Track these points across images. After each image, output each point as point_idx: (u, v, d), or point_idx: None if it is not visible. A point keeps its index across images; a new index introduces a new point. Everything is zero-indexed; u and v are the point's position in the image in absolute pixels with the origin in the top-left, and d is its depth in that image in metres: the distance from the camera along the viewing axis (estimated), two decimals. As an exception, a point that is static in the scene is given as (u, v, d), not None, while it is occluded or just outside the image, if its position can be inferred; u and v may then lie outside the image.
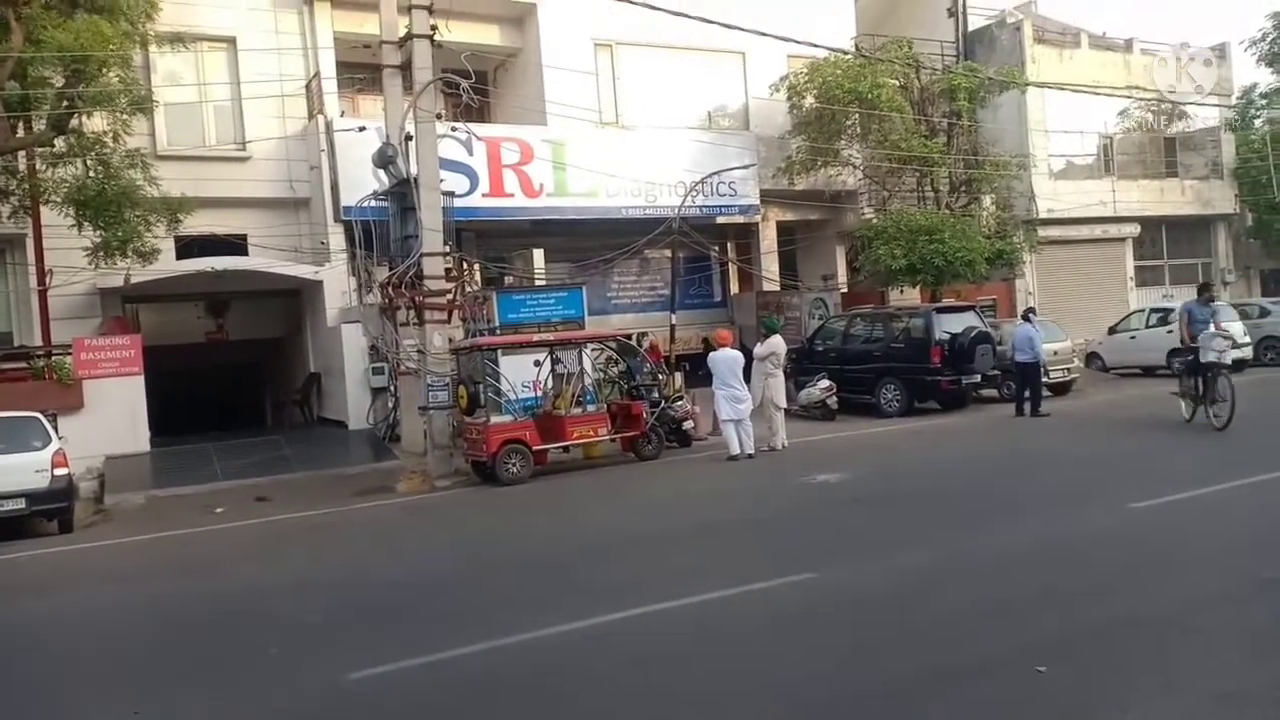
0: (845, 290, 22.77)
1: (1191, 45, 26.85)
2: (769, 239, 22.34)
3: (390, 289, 13.20)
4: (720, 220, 21.24)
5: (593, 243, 19.46)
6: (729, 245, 23.12)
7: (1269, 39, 26.43)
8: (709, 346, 16.01)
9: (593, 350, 14.36)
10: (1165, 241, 26.94)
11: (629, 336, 15.08)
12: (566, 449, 13.02)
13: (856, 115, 20.61)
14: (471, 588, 7.28)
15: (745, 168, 19.83)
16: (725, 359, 13.07)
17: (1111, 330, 22.13)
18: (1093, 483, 9.72)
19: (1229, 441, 11.61)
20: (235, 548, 9.64)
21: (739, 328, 20.92)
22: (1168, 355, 20.52)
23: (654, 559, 7.76)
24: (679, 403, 14.37)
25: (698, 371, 15.51)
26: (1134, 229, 25.49)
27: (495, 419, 12.11)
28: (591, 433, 12.83)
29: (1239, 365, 20.24)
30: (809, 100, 20.61)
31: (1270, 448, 10.85)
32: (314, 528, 10.35)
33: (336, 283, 16.93)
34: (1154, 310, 21.83)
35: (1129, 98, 25.64)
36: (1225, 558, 6.65)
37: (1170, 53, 26.51)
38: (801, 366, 17.64)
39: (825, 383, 16.53)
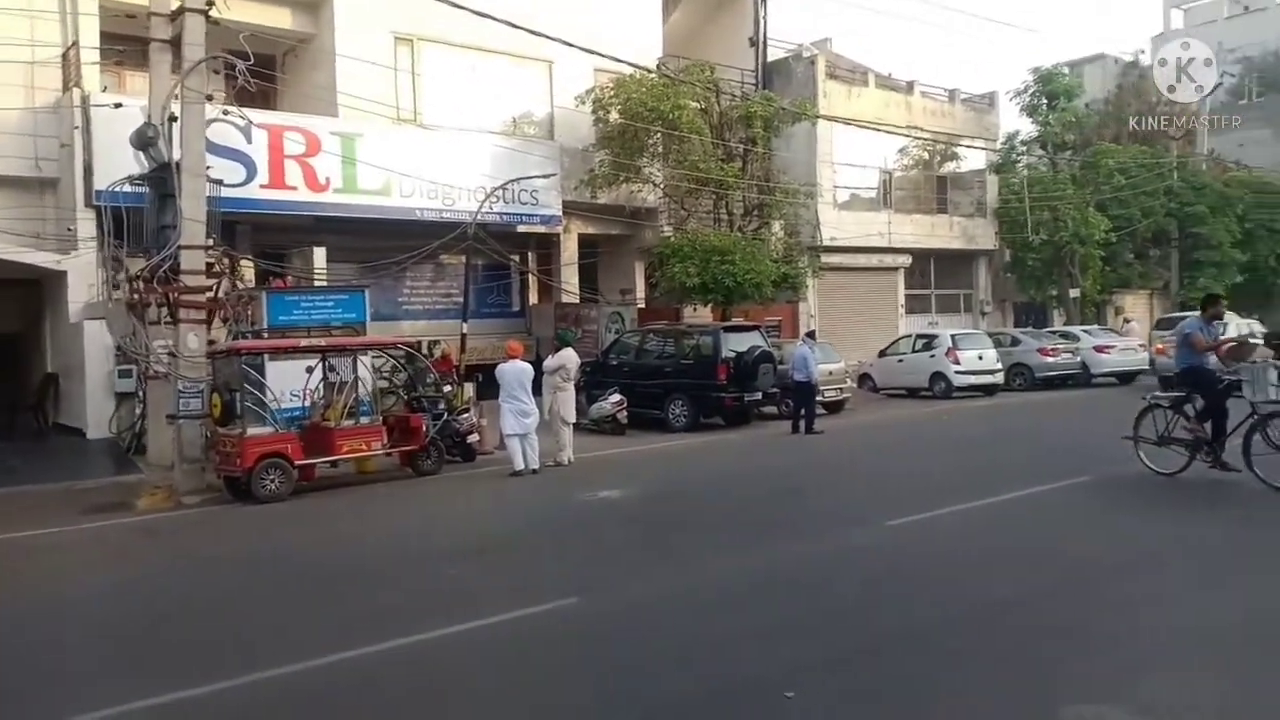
0: (643, 305, 22.99)
1: (963, 92, 29.19)
2: (570, 250, 22.22)
3: (141, 283, 11.96)
4: (521, 229, 20.88)
5: (383, 244, 18.60)
6: (530, 255, 22.81)
7: (1030, 91, 29.00)
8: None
9: (374, 358, 13.62)
10: (934, 272, 29.09)
11: (416, 345, 14.41)
12: (334, 464, 12.21)
13: (659, 134, 20.91)
14: (194, 622, 6.54)
15: (546, 176, 19.60)
16: (513, 371, 12.72)
17: (882, 354, 23.53)
18: (854, 501, 10.10)
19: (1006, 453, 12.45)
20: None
21: (536, 339, 20.68)
22: (930, 378, 22.08)
23: (409, 584, 7.29)
24: (464, 415, 13.88)
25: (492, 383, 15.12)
26: (906, 260, 27.34)
27: (253, 430, 11.15)
28: (364, 446, 12.09)
29: (990, 390, 22.07)
30: (614, 115, 20.68)
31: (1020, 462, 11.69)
32: (25, 550, 9.12)
33: (83, 274, 15.26)
34: (919, 336, 23.40)
35: (909, 136, 27.48)
36: (972, 574, 6.97)
37: (945, 98, 28.72)
38: (594, 380, 17.58)
39: (616, 397, 16.52)
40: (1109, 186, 29.27)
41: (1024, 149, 30.07)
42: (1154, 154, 32.19)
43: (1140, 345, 25.99)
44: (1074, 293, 28.72)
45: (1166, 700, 4.51)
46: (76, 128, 15.38)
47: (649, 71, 20.37)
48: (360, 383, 12.65)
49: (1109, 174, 29.30)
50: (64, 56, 16.01)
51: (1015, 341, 24.42)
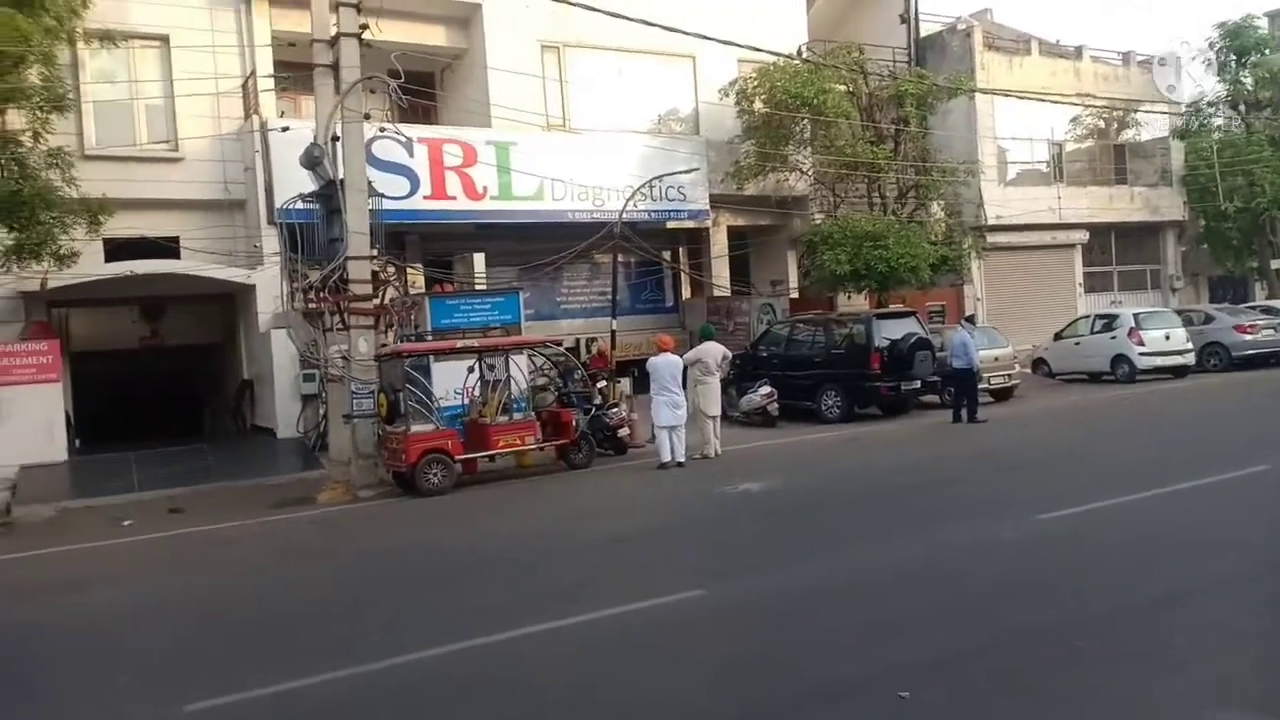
0: (795, 295, 22.73)
1: (1139, 54, 27.13)
2: (719, 243, 22.23)
3: (315, 293, 12.92)
4: (670, 225, 21.11)
5: (539, 246, 19.23)
6: (680, 250, 23.00)
7: (1216, 48, 26.63)
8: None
9: (530, 356, 14.16)
10: (1114, 248, 27.14)
11: (558, 342, 14.86)
12: (493, 458, 12.79)
13: (805, 120, 20.61)
14: (351, 608, 7.05)
15: (689, 171, 19.68)
16: (665, 364, 12.96)
17: (1057, 336, 22.22)
18: (1007, 493, 9.66)
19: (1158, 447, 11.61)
20: (124, 564, 9.35)
21: (689, 333, 20.82)
22: (1111, 361, 20.68)
23: (552, 574, 7.58)
24: (614, 410, 14.20)
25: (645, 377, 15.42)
26: (1083, 235, 25.66)
27: (416, 428, 11.86)
28: (518, 441, 12.62)
29: (1180, 371, 20.45)
30: (758, 105, 20.54)
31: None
32: (220, 542, 10.07)
33: (269, 287, 16.57)
34: (1099, 317, 21.94)
35: (1079, 105, 25.79)
36: (1117, 570, 6.56)
37: (1120, 61, 26.77)
38: (745, 373, 17.55)
39: (766, 389, 16.42)
40: (1320, 147, 26.42)
41: (1212, 110, 27.54)
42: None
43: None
44: (1276, 264, 26.12)
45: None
46: (257, 152, 16.74)
47: (791, 58, 20.09)
48: (513, 381, 13.19)
49: (1321, 133, 26.47)
50: (243, 86, 17.48)
51: (1208, 319, 22.49)
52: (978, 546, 7.46)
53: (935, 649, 5.23)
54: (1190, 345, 20.74)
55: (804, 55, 21.17)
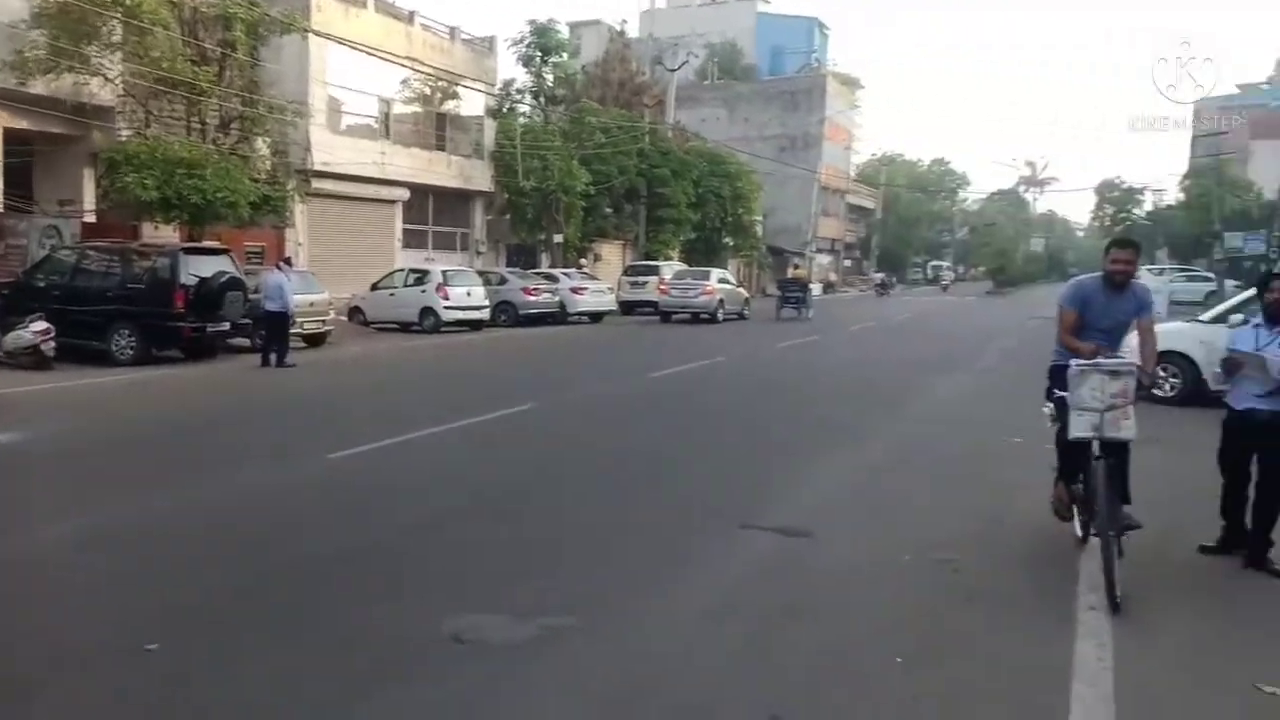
0: (91, 220, 19.79)
1: (464, 32, 29.46)
2: (-13, 145, 18.26)
3: None
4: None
5: None
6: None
7: (526, 42, 30.14)
8: None
9: None
10: (432, 209, 29.20)
11: None
12: None
13: (116, 20, 17.93)
14: None
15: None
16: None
17: (374, 287, 23.14)
18: (304, 435, 9.66)
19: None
20: None
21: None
22: (420, 313, 22.19)
23: None
24: None
25: None
26: (404, 193, 27.07)
27: None
28: None
29: (477, 325, 22.88)
30: (53, -11, 17.26)
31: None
32: None
33: None
34: (412, 271, 23.41)
35: (409, 68, 27.01)
36: (393, 502, 6.94)
37: (447, 34, 28.72)
38: (15, 305, 14.74)
39: (40, 325, 13.98)
40: (592, 143, 31.75)
41: (519, 97, 31.27)
42: (631, 118, 35.62)
43: (609, 288, 28.89)
44: (558, 238, 30.80)
45: (537, 602, 4.82)
46: None
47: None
48: None
49: (592, 131, 31.78)
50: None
51: (503, 280, 25.56)
52: (264, 488, 7.27)
53: (200, 594, 4.90)
54: (487, 303, 23.34)
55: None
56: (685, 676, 4.06)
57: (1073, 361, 5.18)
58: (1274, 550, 5.40)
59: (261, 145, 21.58)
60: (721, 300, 27.97)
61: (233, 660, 4.17)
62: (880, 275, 57.89)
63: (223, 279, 15.40)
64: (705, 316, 27.50)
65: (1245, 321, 5.99)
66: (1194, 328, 12.07)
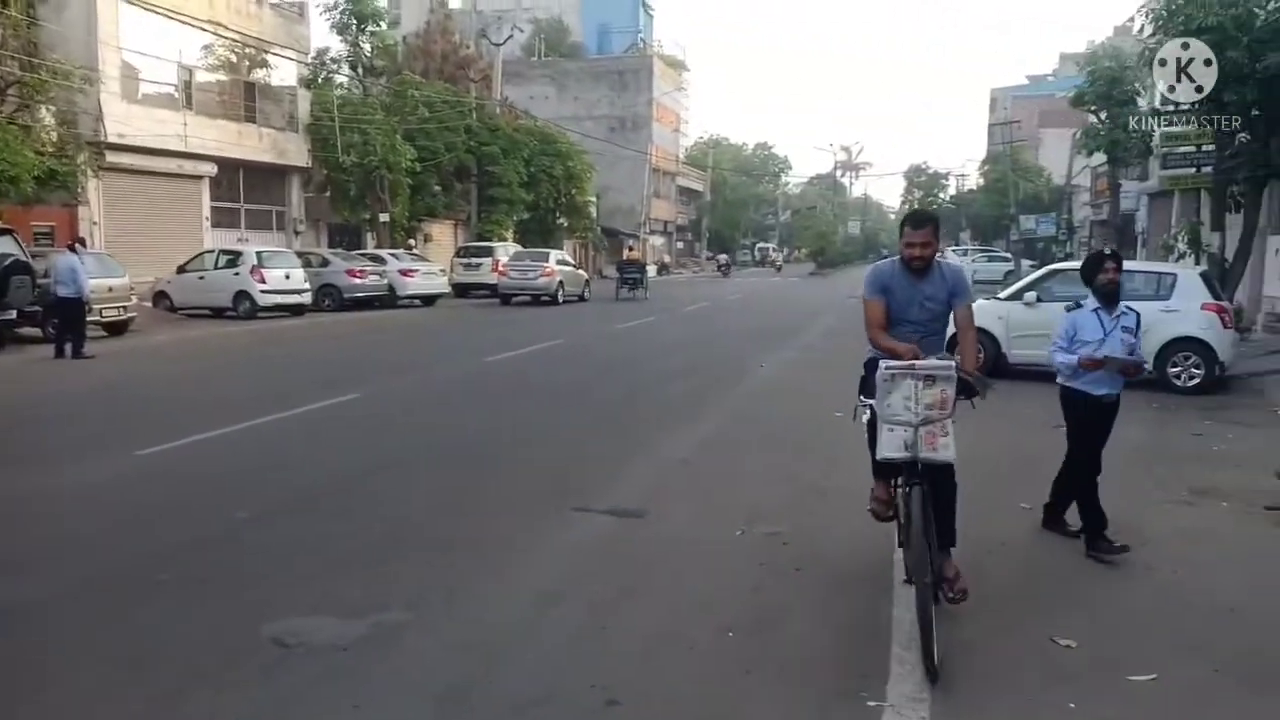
0: None
1: (273, -2, 27.81)
2: None
3: None
4: None
5: None
6: None
7: (339, 8, 28.67)
8: None
9: None
10: (243, 186, 27.48)
11: None
12: None
13: None
14: None
15: None
16: None
17: (181, 270, 21.63)
18: (108, 430, 8.94)
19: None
20: None
21: None
22: (234, 297, 20.92)
23: None
24: None
25: None
26: (211, 168, 25.31)
27: None
28: None
29: (299, 310, 21.83)
30: None
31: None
32: None
33: None
34: (223, 252, 22.03)
35: (211, 33, 25.26)
36: (210, 500, 6.51)
37: (254, -1, 27.03)
38: None
39: None
40: (416, 118, 30.75)
41: (335, 67, 29.85)
42: (456, 93, 34.75)
43: (441, 270, 28.20)
44: (384, 218, 29.73)
45: (366, 599, 4.64)
46: None
47: None
48: None
49: (416, 105, 30.79)
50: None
51: (325, 262, 24.47)
52: (62, 490, 6.68)
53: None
54: (308, 285, 22.27)
55: None
56: (522, 664, 4.01)
57: (882, 364, 4.22)
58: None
59: (45, 114, 19.68)
60: (562, 282, 27.91)
61: (26, 680, 3.80)
62: (724, 257, 59.61)
63: (7, 262, 14.05)
64: (546, 299, 27.35)
65: (1077, 305, 5.51)
66: (994, 305, 12.96)
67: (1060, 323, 5.56)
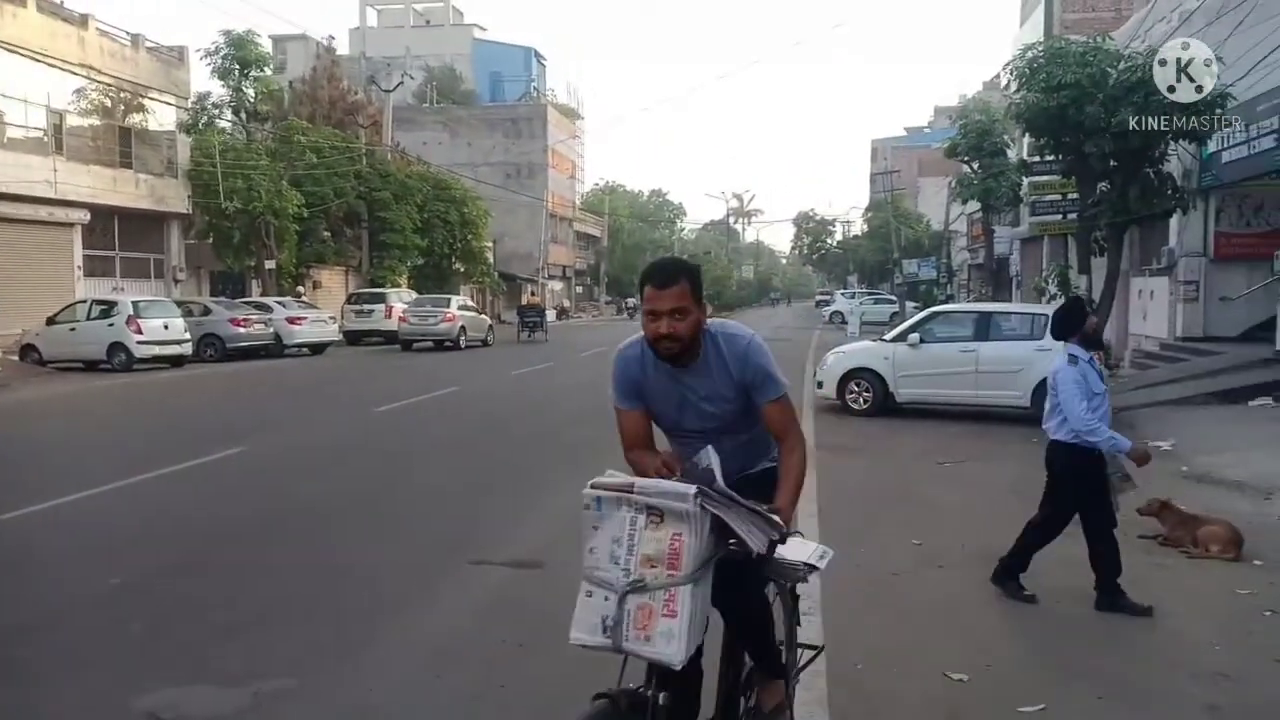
0: None
1: (149, 40, 26.99)
2: None
3: None
4: None
5: None
6: None
7: (222, 54, 27.99)
8: None
9: None
10: (118, 233, 26.31)
11: None
12: None
13: None
14: None
15: None
16: None
17: (50, 321, 20.48)
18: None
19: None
20: None
21: None
22: (109, 349, 19.93)
23: None
24: None
25: None
26: (84, 215, 24.17)
27: None
28: None
29: (178, 361, 20.90)
30: None
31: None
32: None
33: None
34: (96, 302, 21.00)
35: (83, 76, 24.28)
36: (75, 570, 6.09)
37: (129, 42, 26.16)
38: None
39: None
40: (303, 163, 30.11)
41: (216, 111, 29.03)
42: (345, 138, 34.22)
43: (331, 317, 27.49)
44: (270, 264, 28.87)
45: (249, 667, 4.39)
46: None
47: None
48: None
49: (303, 150, 30.17)
50: None
51: (207, 311, 23.56)
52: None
53: None
54: (189, 335, 21.39)
55: None
56: (416, 730, 3.84)
57: (588, 486, 2.74)
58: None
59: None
60: (464, 327, 27.67)
61: None
62: (633, 300, 60.04)
63: None
64: (449, 344, 26.99)
65: (1075, 360, 5.22)
66: (880, 346, 13.41)
67: (1065, 379, 5.21)
